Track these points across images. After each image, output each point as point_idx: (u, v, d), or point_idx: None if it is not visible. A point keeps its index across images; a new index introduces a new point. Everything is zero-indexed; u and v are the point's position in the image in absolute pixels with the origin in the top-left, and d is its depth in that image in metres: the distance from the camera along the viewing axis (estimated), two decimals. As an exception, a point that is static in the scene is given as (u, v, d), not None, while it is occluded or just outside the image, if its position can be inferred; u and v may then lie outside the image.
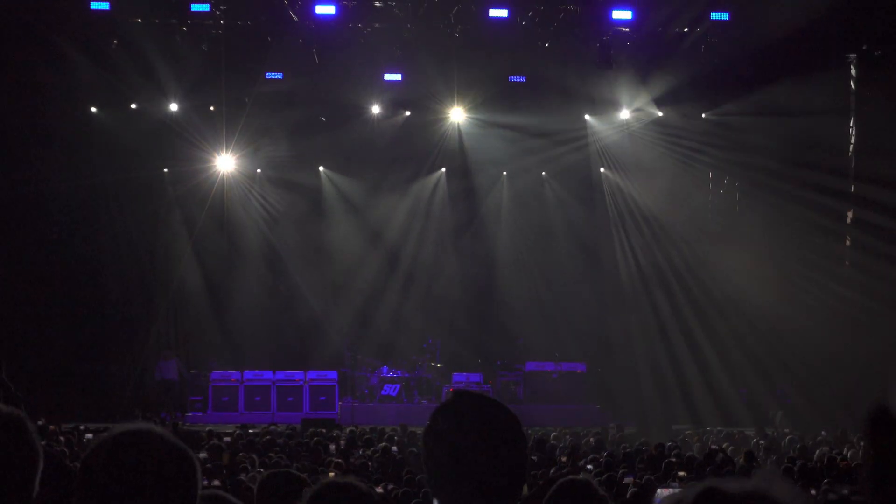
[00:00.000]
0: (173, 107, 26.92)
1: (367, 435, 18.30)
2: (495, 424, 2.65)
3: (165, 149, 27.67)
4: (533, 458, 15.17)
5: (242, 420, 23.81)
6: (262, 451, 15.96)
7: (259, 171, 29.37)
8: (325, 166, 29.73)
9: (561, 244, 29.24)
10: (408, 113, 28.12)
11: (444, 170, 29.61)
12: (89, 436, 16.83)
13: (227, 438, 17.57)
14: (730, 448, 17.53)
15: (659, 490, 10.81)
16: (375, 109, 27.73)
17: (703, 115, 27.30)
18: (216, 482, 11.53)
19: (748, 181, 27.66)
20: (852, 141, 26.64)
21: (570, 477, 4.60)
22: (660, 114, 27.17)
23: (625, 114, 27.51)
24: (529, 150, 28.58)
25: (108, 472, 2.03)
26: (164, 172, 28.63)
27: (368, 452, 16.04)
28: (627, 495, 11.32)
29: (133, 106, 26.88)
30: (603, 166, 29.20)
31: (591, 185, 29.30)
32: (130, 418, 16.97)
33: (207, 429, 19.20)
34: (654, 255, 28.05)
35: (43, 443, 2.42)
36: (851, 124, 26.71)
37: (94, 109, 27.31)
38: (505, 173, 29.67)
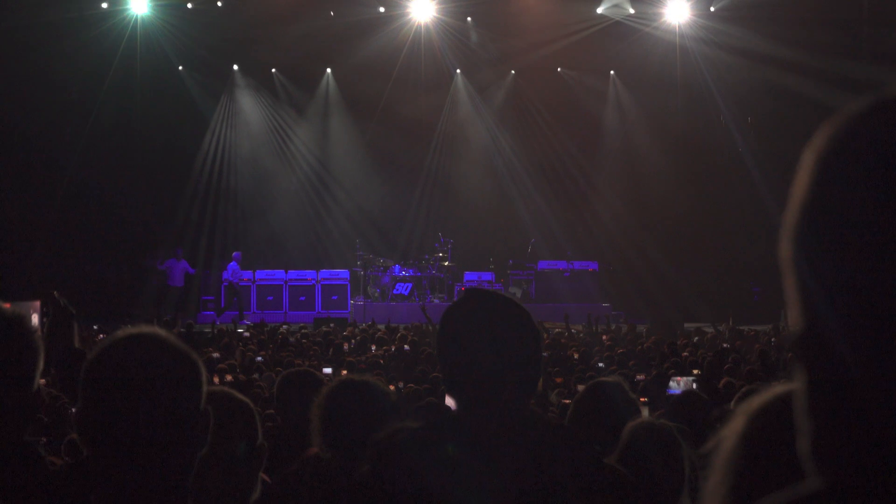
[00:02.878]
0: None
1: (380, 333, 17.87)
2: (508, 321, 2.61)
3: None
4: (545, 354, 14.85)
5: (255, 319, 23.36)
6: (274, 349, 15.87)
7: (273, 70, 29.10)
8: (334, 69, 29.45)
9: (574, 142, 28.99)
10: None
11: (458, 71, 29.11)
12: (102, 336, 16.75)
13: (245, 333, 17.69)
14: (742, 347, 17.07)
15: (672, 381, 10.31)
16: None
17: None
18: (228, 378, 11.54)
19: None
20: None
21: (601, 379, 4.57)
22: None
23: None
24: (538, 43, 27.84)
25: (108, 377, 2.03)
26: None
27: (381, 351, 15.65)
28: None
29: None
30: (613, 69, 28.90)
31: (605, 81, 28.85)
32: (134, 321, 16.55)
33: (220, 328, 19.05)
34: (673, 155, 27.79)
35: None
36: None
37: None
38: (513, 71, 29.13)
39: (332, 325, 20.07)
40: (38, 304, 16.26)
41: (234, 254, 25.62)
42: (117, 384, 2.01)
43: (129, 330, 2.08)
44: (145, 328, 2.10)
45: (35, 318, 14.11)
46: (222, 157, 28.79)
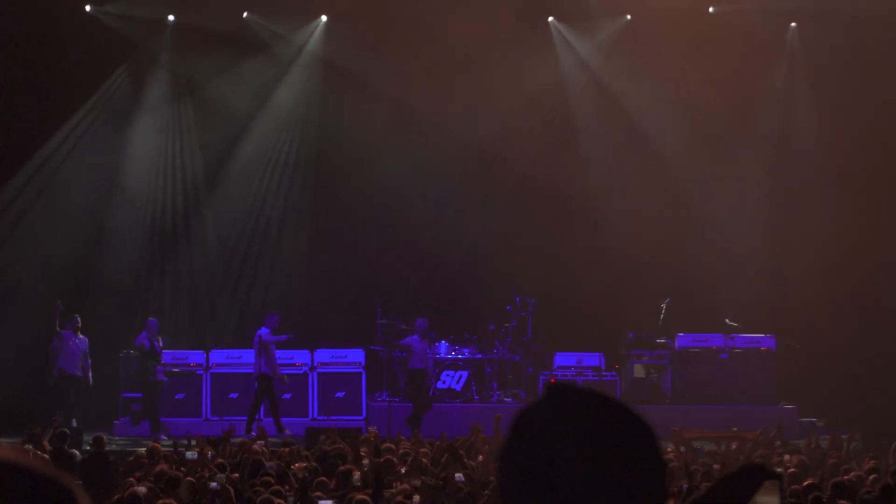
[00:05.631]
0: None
1: (412, 454, 15.05)
2: (619, 443, 2.17)
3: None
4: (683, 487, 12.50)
5: (209, 430, 19.58)
6: (243, 477, 13.61)
7: None
8: None
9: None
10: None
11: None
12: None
13: (191, 455, 15.20)
14: None
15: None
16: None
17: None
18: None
19: None
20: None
21: None
22: None
23: None
24: None
25: None
26: None
27: (416, 483, 13.28)
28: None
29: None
30: None
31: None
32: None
33: (151, 444, 16.42)
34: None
35: None
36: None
37: None
38: (629, 16, 25.29)
39: (335, 439, 17.03)
40: None
41: (147, 320, 21.79)
42: None
43: None
44: (7, 452, 2.08)
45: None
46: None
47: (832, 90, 24.42)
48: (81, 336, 21.04)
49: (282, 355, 21.48)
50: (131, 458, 15.70)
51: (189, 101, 24.37)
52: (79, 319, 21.16)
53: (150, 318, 21.60)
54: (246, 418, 20.42)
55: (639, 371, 22.96)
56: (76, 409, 20.65)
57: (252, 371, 21.16)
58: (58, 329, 21.16)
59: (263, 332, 21.13)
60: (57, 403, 20.45)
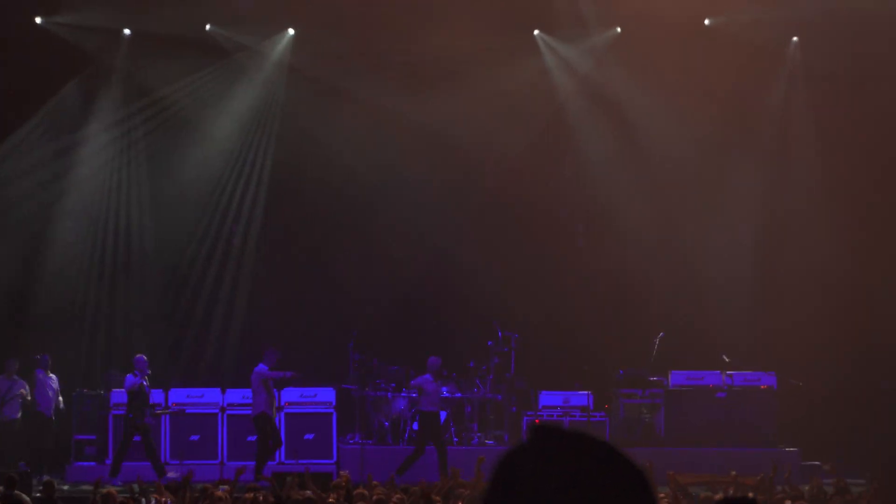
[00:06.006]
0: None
1: (386, 502, 14.98)
2: (609, 489, 2.15)
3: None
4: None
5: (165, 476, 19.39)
6: None
7: None
8: None
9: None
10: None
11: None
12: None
13: (154, 502, 15.06)
14: None
15: None
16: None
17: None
18: None
19: None
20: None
21: None
22: None
23: None
24: None
25: None
26: None
27: None
28: None
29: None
30: None
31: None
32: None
33: (105, 490, 15.48)
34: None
35: None
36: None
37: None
38: (619, 28, 25.20)
39: (305, 484, 16.37)
40: None
41: (135, 358, 20.60)
42: None
43: None
44: None
45: None
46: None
47: (834, 107, 23.71)
48: (52, 375, 20.38)
49: (246, 394, 20.62)
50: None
51: (144, 113, 23.27)
52: (48, 358, 20.48)
53: (138, 356, 20.64)
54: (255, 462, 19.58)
55: (630, 411, 22.29)
56: (50, 453, 20.13)
57: (250, 413, 20.33)
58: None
59: (262, 368, 20.35)
60: (28, 447, 19.88)
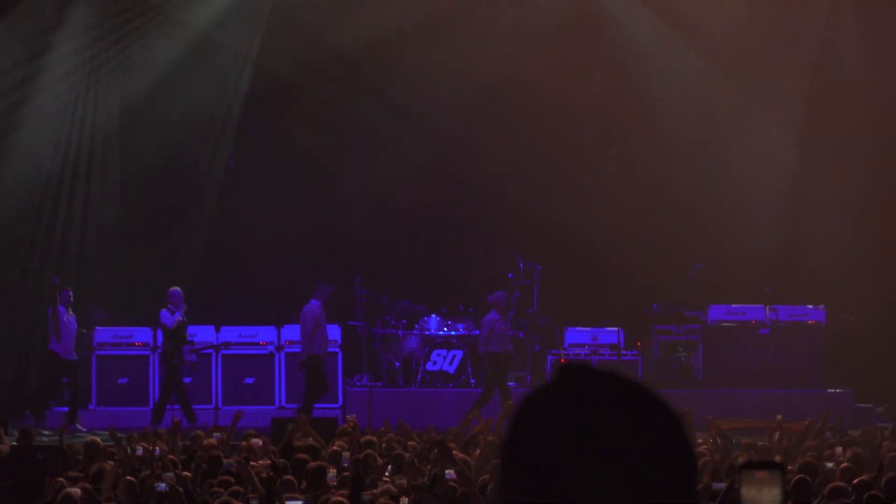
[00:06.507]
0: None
1: (397, 449, 14.06)
2: (641, 434, 2.12)
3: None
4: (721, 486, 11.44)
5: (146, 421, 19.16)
6: (198, 475, 12.98)
7: None
8: None
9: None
10: None
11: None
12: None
13: (140, 450, 14.04)
14: None
15: None
16: None
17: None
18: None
19: None
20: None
21: None
22: None
23: None
24: None
25: None
26: None
27: (402, 482, 12.63)
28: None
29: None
30: None
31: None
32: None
33: (89, 438, 15.27)
34: None
35: None
36: None
37: None
38: None
39: (306, 430, 15.88)
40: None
41: (170, 291, 20.22)
42: None
43: None
44: None
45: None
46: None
47: (881, 13, 22.79)
48: (72, 313, 19.62)
49: (244, 332, 20.41)
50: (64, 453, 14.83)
51: (121, 17, 22.21)
52: (70, 294, 19.62)
53: (173, 289, 20.02)
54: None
55: (665, 349, 21.69)
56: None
57: (299, 350, 19.80)
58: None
59: (315, 304, 19.78)
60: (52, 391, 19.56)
